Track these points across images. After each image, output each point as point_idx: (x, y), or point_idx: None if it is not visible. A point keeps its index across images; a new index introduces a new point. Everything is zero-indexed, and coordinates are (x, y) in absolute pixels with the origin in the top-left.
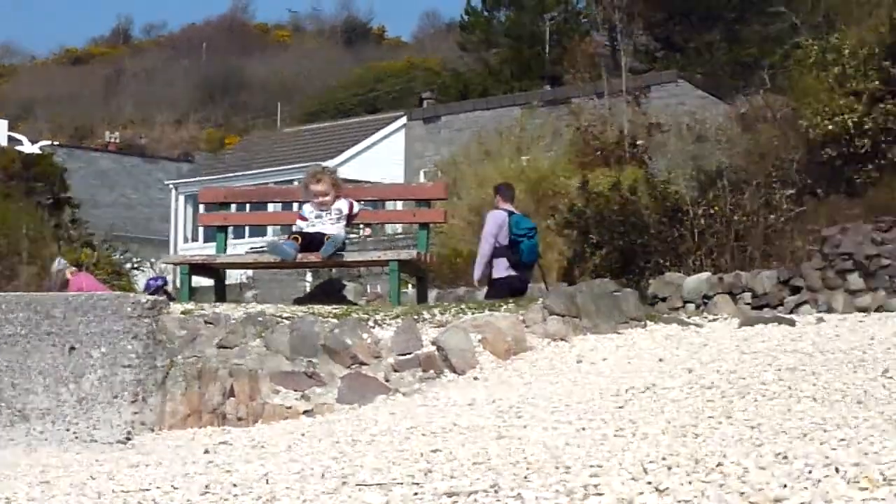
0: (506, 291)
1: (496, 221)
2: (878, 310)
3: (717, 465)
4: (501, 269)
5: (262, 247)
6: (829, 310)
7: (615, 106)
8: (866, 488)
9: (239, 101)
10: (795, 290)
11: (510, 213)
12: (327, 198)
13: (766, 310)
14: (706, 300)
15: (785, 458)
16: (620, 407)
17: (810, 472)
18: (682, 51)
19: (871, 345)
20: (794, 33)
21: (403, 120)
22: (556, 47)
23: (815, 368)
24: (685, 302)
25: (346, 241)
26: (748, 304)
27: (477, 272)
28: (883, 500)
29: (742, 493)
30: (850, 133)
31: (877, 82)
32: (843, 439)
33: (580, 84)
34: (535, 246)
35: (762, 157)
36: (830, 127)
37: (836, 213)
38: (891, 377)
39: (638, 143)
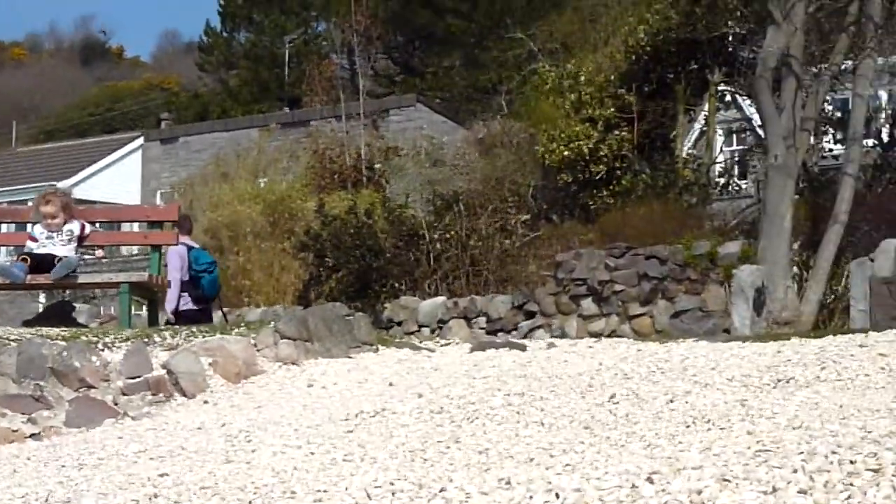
0: (191, 324)
1: (179, 255)
2: (610, 335)
3: (441, 491)
4: (185, 302)
5: None
6: (563, 335)
7: (353, 129)
8: None
9: None
10: (530, 315)
11: (189, 248)
12: (56, 220)
13: (500, 334)
14: (441, 324)
15: (508, 483)
16: (350, 431)
17: (531, 497)
18: (422, 75)
19: (599, 371)
20: (532, 59)
21: (141, 140)
22: (296, 70)
23: (543, 394)
24: (420, 326)
25: (81, 262)
26: (483, 328)
27: (169, 306)
28: None
29: None
30: (586, 159)
31: (612, 109)
32: (568, 464)
33: (319, 107)
34: (216, 280)
35: (499, 181)
36: (566, 153)
37: (571, 238)
38: (617, 403)
39: (375, 166)
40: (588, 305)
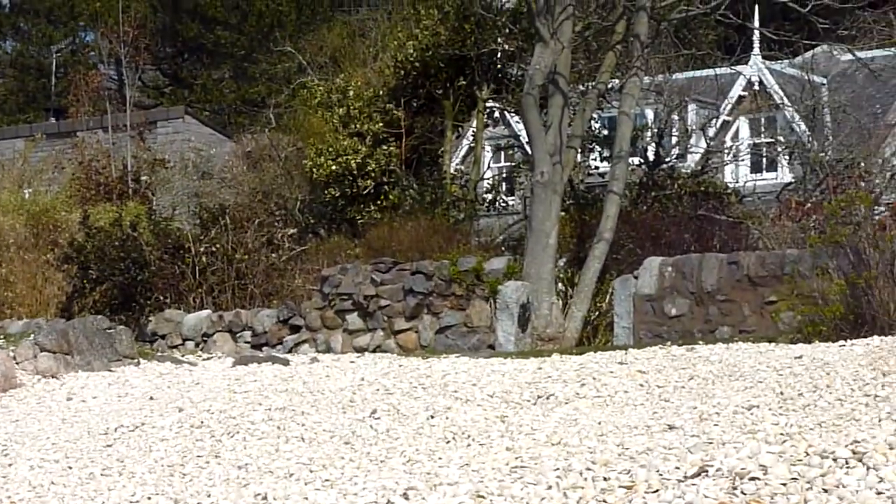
0: None
1: None
2: (375, 350)
3: None
4: None
5: None
6: (329, 349)
7: (120, 140)
8: None
9: None
10: (295, 329)
11: None
12: None
13: (265, 349)
14: (206, 338)
15: (265, 498)
16: (109, 445)
17: None
18: (191, 87)
19: (361, 385)
20: (302, 73)
21: None
22: (63, 80)
23: (305, 409)
24: (185, 339)
25: None
26: (248, 342)
27: None
28: None
29: None
30: (354, 174)
31: (381, 124)
32: (327, 480)
33: (86, 118)
34: None
35: (266, 195)
36: (334, 167)
37: (338, 253)
38: (378, 418)
39: (142, 178)
40: (354, 320)
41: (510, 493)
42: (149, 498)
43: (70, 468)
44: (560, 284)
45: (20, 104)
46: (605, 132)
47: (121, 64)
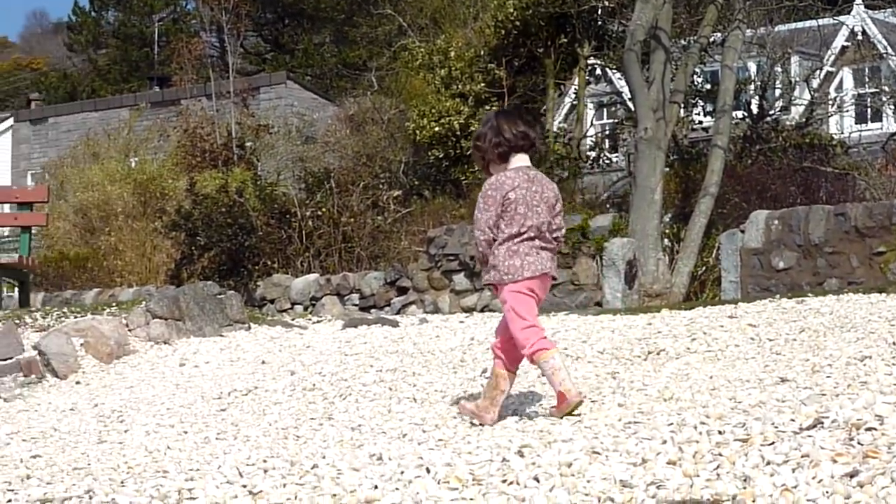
0: None
1: None
2: (483, 309)
3: (313, 468)
4: None
5: None
6: (436, 310)
7: (223, 107)
8: (456, 488)
9: None
10: (402, 291)
11: None
12: None
13: (373, 311)
14: (314, 301)
15: (380, 459)
16: (223, 409)
17: (402, 472)
18: (292, 52)
19: (471, 345)
20: (402, 35)
21: (10, 122)
22: (166, 48)
23: (416, 369)
24: (293, 303)
25: None
26: (356, 304)
27: None
28: (472, 499)
29: (334, 495)
30: (457, 135)
31: (482, 84)
32: (440, 439)
33: (189, 85)
34: None
35: (370, 158)
36: (437, 129)
37: (443, 214)
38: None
39: (246, 144)
40: (460, 280)
41: (625, 449)
42: (264, 461)
43: (185, 433)
44: (666, 240)
45: (124, 74)
46: (708, 86)
47: (222, 31)
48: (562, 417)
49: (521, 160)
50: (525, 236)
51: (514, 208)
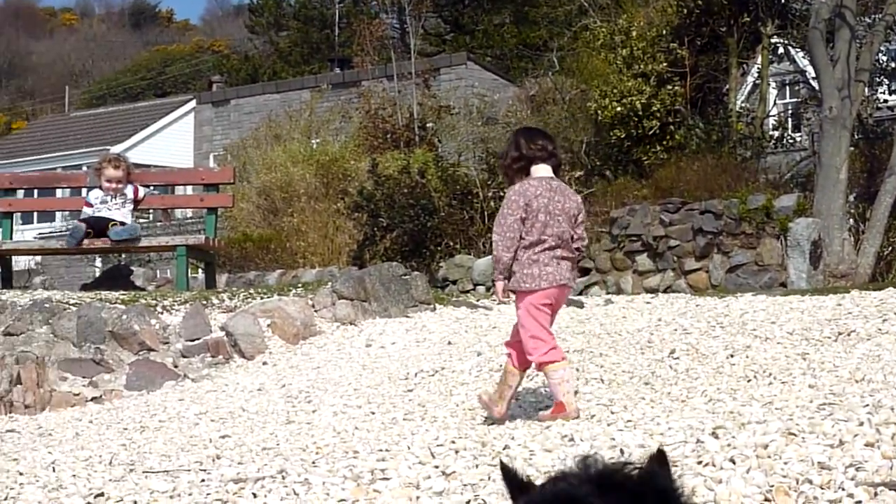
0: None
1: None
2: (666, 290)
3: (504, 448)
4: None
5: (50, 232)
6: (619, 290)
7: (405, 89)
8: None
9: (25, 85)
10: (585, 272)
11: None
12: (120, 184)
13: None
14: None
15: (571, 440)
16: (410, 390)
17: (595, 453)
18: (472, 33)
19: (658, 326)
20: (583, 15)
21: (193, 104)
22: (346, 30)
23: (602, 350)
24: (476, 284)
25: (137, 224)
26: None
27: None
28: None
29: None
30: (639, 115)
31: (664, 64)
32: (629, 421)
33: (370, 67)
34: None
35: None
36: (619, 108)
37: (625, 194)
38: (677, 358)
39: (427, 125)
40: (643, 261)
41: (821, 430)
42: (453, 441)
43: (373, 413)
44: (851, 220)
45: (304, 55)
46: (893, 65)
47: (403, 12)
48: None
49: (543, 171)
50: (546, 245)
51: (536, 216)
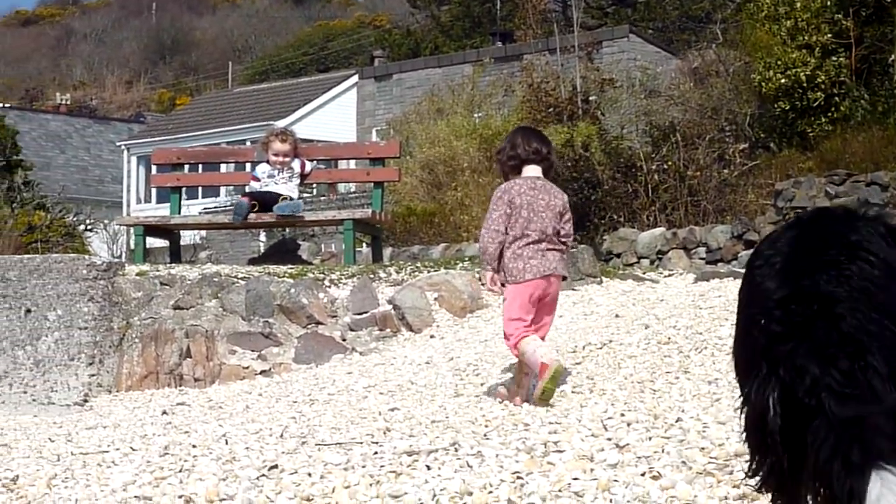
0: None
1: None
2: None
3: (677, 421)
4: None
5: (215, 207)
6: None
7: (567, 62)
8: None
9: (189, 62)
10: (749, 245)
11: None
12: (287, 158)
13: (719, 264)
14: (660, 255)
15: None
16: (578, 363)
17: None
18: (634, 5)
19: None
20: None
21: (355, 79)
22: (508, 3)
23: None
24: (640, 257)
25: (301, 200)
26: (702, 258)
27: None
28: None
29: (703, 449)
30: (803, 86)
31: (829, 35)
32: None
33: (532, 40)
34: None
35: (715, 111)
36: (783, 80)
37: (789, 166)
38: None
39: (590, 99)
40: None
41: None
42: (622, 414)
43: None
44: None
45: (466, 29)
46: None
47: None
48: (544, 394)
49: (532, 171)
50: (530, 239)
51: (519, 212)
